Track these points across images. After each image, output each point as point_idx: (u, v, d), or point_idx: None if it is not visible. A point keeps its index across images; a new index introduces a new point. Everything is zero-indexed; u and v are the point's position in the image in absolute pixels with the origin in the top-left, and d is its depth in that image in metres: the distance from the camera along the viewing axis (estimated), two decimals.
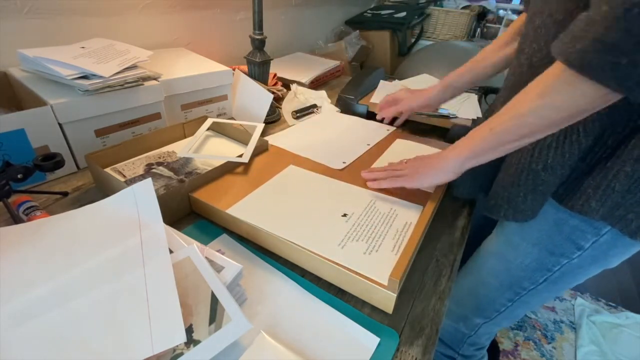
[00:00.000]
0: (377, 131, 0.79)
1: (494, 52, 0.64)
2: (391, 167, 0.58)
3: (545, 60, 0.43)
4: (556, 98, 0.36)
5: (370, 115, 0.88)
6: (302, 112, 0.87)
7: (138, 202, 0.42)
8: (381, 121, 0.71)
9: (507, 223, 0.56)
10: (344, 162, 0.65)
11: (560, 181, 0.46)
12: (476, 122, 0.82)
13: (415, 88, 0.76)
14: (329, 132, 0.78)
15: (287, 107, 0.92)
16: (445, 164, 0.49)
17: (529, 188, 0.47)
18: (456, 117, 0.83)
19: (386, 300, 0.40)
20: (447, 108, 0.86)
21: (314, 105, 0.90)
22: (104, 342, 0.29)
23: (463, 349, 0.71)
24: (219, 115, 0.85)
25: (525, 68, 0.47)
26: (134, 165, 0.61)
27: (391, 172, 0.56)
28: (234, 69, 0.84)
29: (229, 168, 0.59)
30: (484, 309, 0.64)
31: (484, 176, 0.56)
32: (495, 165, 0.52)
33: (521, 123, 0.40)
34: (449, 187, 0.61)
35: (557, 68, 0.36)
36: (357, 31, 1.57)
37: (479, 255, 0.63)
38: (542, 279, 0.54)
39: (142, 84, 0.64)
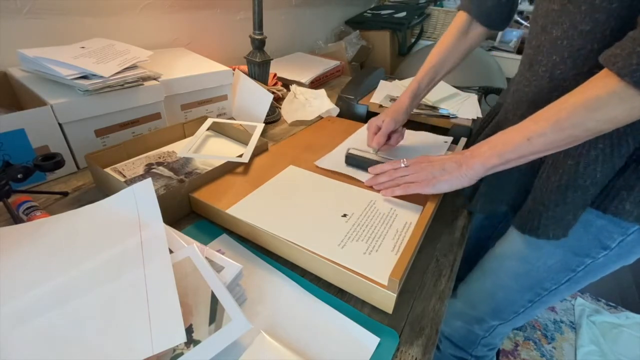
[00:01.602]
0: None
1: (450, 51, 0.64)
2: (392, 167, 0.55)
3: (571, 72, 0.43)
4: (609, 112, 0.35)
5: (370, 116, 0.88)
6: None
7: (138, 202, 0.42)
8: (376, 152, 0.65)
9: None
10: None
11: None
12: (476, 122, 0.82)
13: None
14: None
15: (287, 108, 0.92)
16: (468, 171, 0.46)
17: (578, 205, 0.45)
18: (456, 117, 0.83)
19: (386, 300, 0.40)
20: (447, 108, 0.86)
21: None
22: (104, 342, 0.29)
23: (476, 350, 0.70)
24: (219, 115, 0.85)
25: (545, 81, 0.46)
26: (134, 165, 0.61)
27: (398, 177, 0.54)
28: (234, 69, 0.84)
29: (229, 168, 0.59)
30: (501, 311, 0.63)
31: (505, 192, 0.54)
32: (519, 179, 0.51)
33: (564, 135, 0.38)
34: (457, 194, 0.60)
35: (610, 82, 0.35)
36: (357, 31, 1.57)
37: (494, 258, 0.62)
38: (565, 279, 0.53)
39: (142, 84, 0.64)
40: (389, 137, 0.65)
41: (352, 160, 0.62)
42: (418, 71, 0.67)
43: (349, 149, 0.63)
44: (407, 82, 1.09)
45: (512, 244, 0.58)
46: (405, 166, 0.54)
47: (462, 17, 0.63)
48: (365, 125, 0.72)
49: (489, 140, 0.45)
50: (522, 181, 0.52)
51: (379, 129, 0.64)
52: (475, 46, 0.65)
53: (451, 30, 0.64)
